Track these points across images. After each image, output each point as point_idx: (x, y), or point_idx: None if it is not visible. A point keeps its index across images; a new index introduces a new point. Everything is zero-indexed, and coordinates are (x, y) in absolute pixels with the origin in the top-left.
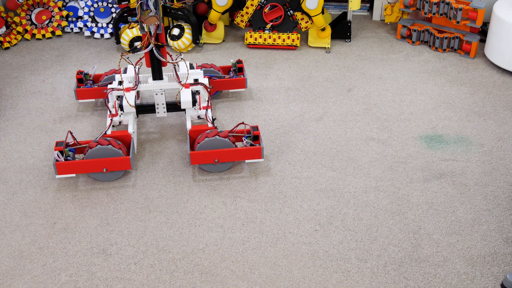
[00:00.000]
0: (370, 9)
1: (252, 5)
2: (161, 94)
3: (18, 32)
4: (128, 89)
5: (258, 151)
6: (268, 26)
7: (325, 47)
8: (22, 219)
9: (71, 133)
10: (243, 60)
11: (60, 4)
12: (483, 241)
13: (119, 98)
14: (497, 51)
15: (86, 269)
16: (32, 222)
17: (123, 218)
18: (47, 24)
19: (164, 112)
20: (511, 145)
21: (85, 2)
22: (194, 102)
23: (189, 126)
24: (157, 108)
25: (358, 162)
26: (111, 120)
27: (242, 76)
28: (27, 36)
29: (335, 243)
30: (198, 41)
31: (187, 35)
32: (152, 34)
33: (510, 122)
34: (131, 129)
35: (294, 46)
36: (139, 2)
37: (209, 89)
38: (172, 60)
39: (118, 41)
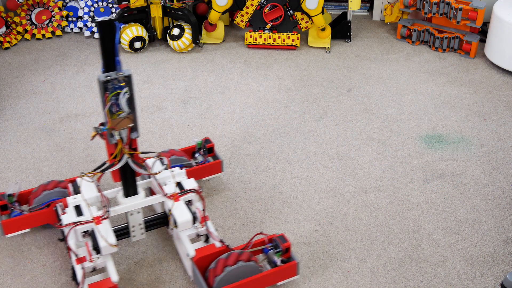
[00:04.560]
0: (370, 9)
1: (252, 5)
2: (138, 213)
3: (18, 32)
4: (98, 220)
5: (293, 268)
6: (268, 26)
7: (325, 47)
8: None
9: None
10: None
11: (60, 4)
12: (483, 241)
13: (87, 234)
14: (497, 51)
15: None
16: None
17: (123, 218)
18: (47, 24)
19: (142, 233)
20: (511, 145)
21: (85, 2)
22: (194, 219)
23: (192, 252)
24: (133, 231)
25: (358, 162)
26: (83, 268)
27: (214, 158)
28: (27, 36)
29: (335, 243)
30: (198, 41)
31: (187, 35)
32: (125, 141)
33: (510, 122)
34: (115, 277)
35: (294, 46)
36: (108, 105)
37: (201, 193)
38: (149, 169)
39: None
